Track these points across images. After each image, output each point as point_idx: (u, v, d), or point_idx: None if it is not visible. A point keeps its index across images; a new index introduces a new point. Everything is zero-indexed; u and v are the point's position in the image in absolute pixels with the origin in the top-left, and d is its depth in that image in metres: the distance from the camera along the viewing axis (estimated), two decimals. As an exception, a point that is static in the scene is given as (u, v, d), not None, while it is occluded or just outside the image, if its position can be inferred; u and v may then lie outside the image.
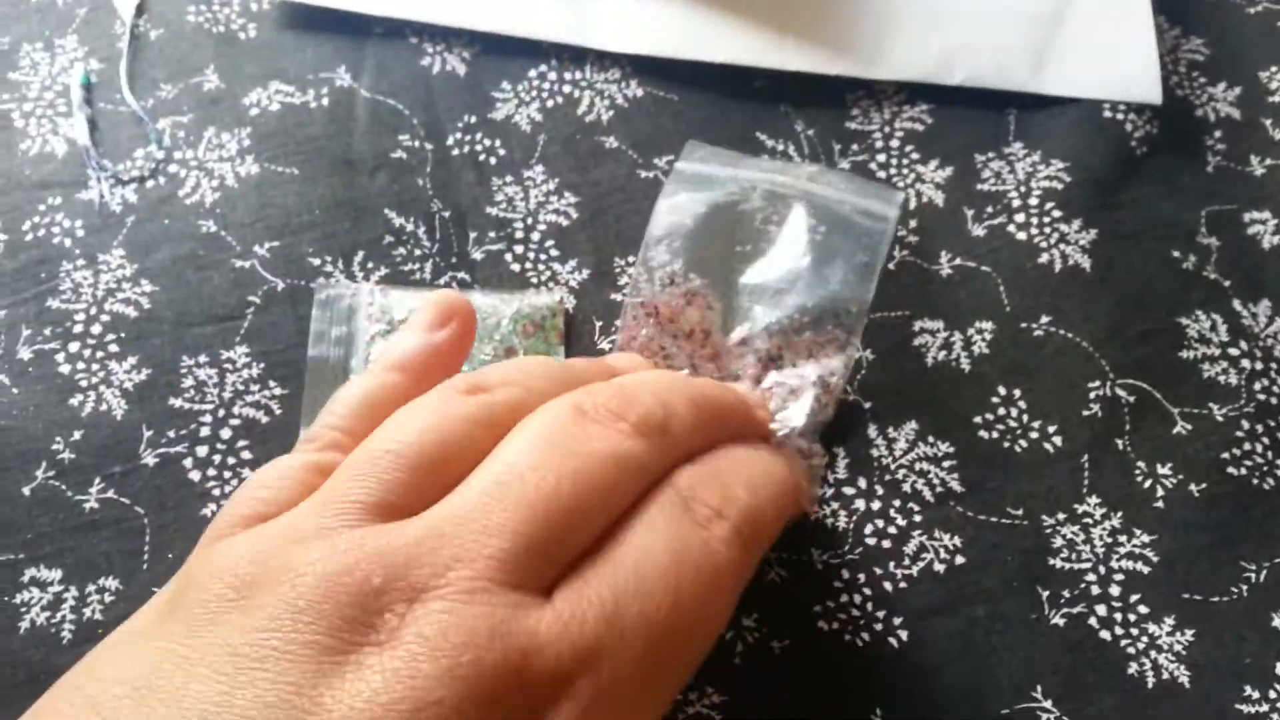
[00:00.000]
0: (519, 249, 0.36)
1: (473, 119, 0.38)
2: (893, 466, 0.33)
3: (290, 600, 0.19)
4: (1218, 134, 0.39)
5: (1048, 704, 0.30)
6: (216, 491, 0.32)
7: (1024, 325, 0.35)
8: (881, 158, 0.38)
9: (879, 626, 0.31)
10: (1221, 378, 0.34)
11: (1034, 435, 0.33)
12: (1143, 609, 0.31)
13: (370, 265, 0.35)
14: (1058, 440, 0.33)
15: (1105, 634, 0.31)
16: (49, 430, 0.33)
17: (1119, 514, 0.32)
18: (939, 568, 0.32)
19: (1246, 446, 0.33)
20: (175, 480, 0.32)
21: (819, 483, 0.32)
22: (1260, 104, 0.39)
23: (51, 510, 0.32)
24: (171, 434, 0.33)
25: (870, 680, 0.30)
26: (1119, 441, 0.33)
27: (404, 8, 0.39)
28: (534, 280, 0.35)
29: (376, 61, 0.39)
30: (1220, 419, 0.34)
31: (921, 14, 0.39)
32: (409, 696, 0.18)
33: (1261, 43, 0.40)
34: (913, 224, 0.36)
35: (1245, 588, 0.32)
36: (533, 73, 0.39)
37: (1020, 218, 0.37)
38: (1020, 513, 0.32)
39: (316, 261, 0.35)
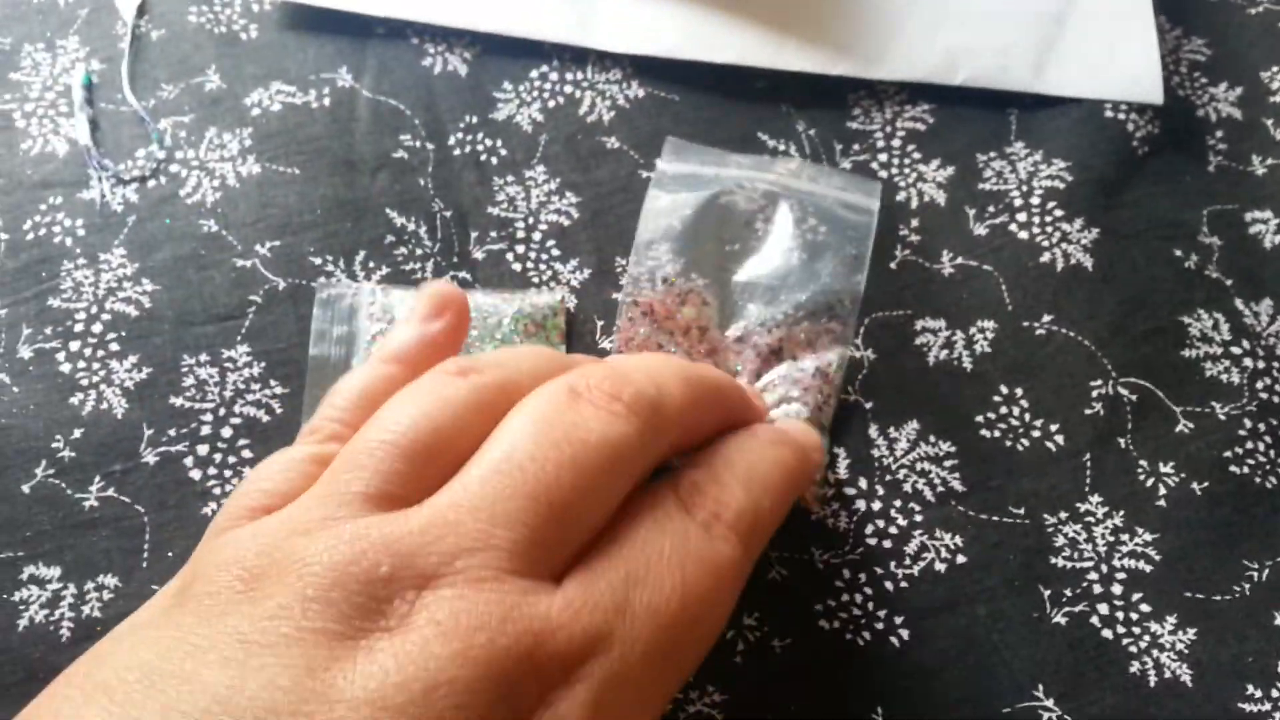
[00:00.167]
0: (520, 249, 0.36)
1: (474, 119, 0.38)
2: (894, 466, 0.33)
3: (299, 590, 0.19)
4: (1219, 134, 0.39)
5: (1049, 703, 0.30)
6: (217, 490, 0.32)
7: (1026, 324, 0.35)
8: (883, 157, 0.38)
9: (880, 625, 0.31)
10: (1223, 377, 0.34)
11: (1036, 434, 0.33)
12: (1145, 608, 0.31)
13: (371, 265, 0.35)
14: (1060, 439, 0.33)
15: (1107, 633, 0.31)
16: (49, 428, 0.33)
17: (1121, 513, 0.32)
18: (940, 567, 0.32)
19: (1249, 445, 0.33)
20: (175, 479, 0.32)
21: (821, 482, 0.32)
22: (1261, 104, 0.39)
23: (51, 508, 0.32)
24: (172, 433, 0.33)
25: (871, 679, 0.30)
26: (1121, 440, 0.33)
27: (405, 8, 0.39)
28: (535, 280, 0.35)
29: (378, 62, 0.39)
30: (1222, 418, 0.34)
31: (923, 14, 0.39)
32: (421, 677, 0.18)
33: (1262, 43, 0.40)
34: (915, 223, 0.36)
35: (1247, 586, 0.32)
36: (534, 73, 0.39)
37: (1022, 217, 0.37)
38: (1022, 512, 0.32)
39: (318, 261, 0.35)
